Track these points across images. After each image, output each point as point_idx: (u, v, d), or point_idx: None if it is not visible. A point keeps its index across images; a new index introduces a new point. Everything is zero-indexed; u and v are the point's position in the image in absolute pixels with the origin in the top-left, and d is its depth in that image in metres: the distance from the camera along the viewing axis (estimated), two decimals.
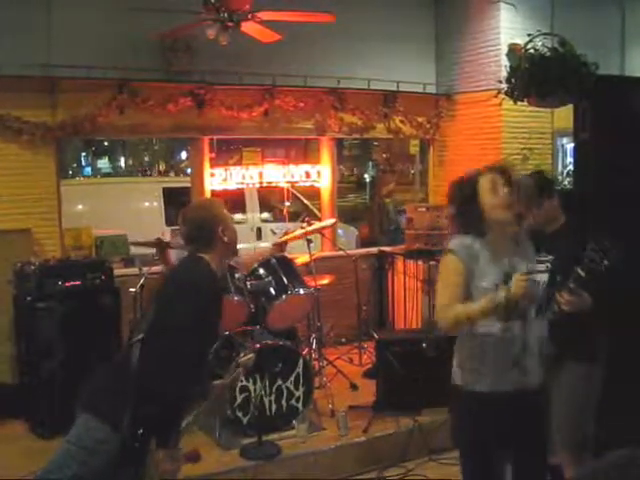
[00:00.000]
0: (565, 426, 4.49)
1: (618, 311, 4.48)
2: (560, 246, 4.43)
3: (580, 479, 3.26)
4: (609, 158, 5.54)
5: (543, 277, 4.49)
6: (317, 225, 7.65)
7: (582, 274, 3.97)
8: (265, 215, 13.32)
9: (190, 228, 3.96)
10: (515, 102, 6.31)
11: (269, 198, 13.24)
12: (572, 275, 4.01)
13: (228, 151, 13.37)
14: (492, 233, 3.58)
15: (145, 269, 6.74)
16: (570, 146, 9.22)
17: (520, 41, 7.25)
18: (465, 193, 3.62)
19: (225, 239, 3.90)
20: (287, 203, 10.61)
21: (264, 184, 9.04)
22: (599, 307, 4.20)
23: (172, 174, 25.58)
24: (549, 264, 4.49)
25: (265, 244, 12.18)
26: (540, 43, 6.12)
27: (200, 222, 3.94)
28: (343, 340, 8.66)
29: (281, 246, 7.44)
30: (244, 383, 5.96)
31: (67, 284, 6.46)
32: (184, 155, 27.03)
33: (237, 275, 6.54)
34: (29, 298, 6.35)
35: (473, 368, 3.64)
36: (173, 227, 8.76)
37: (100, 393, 3.63)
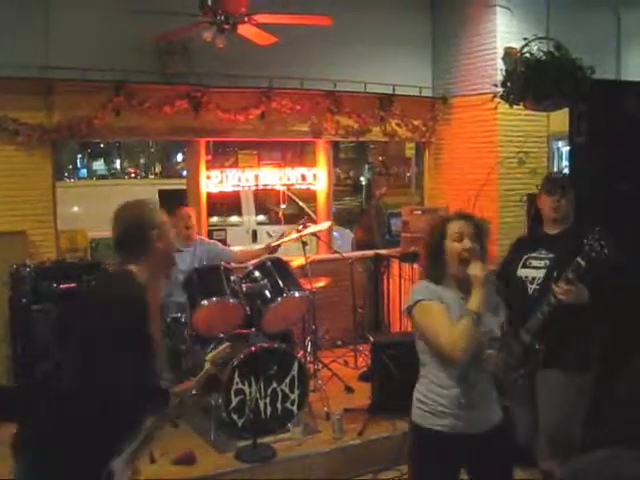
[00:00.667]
0: (553, 432, 4.51)
1: (615, 310, 4.48)
2: (562, 246, 4.46)
3: (563, 478, 3.28)
4: (605, 162, 5.55)
5: (539, 273, 4.55)
6: (312, 229, 7.64)
7: (582, 263, 4.03)
8: (261, 218, 13.33)
9: (119, 231, 3.46)
10: (511, 106, 6.31)
11: (265, 201, 13.24)
12: (572, 265, 4.05)
13: (224, 153, 13.40)
14: (449, 279, 3.65)
15: None
16: (565, 150, 9.24)
17: (516, 45, 7.25)
18: (433, 239, 3.69)
19: (160, 247, 3.41)
20: (283, 206, 10.61)
21: (260, 187, 9.05)
22: (597, 301, 4.22)
23: (167, 176, 25.54)
24: (547, 261, 4.53)
25: (260, 246, 12.19)
26: (536, 47, 6.12)
27: (131, 223, 3.44)
28: (339, 343, 8.67)
29: (273, 248, 7.43)
30: (239, 386, 5.96)
31: (62, 286, 6.47)
32: (180, 157, 27.01)
33: (232, 278, 6.54)
34: (24, 300, 6.35)
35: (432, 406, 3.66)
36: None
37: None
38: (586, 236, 4.14)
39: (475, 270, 3.50)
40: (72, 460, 3.07)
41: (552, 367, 4.43)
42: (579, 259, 4.05)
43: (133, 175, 28.17)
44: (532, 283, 4.56)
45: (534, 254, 4.64)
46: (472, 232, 3.62)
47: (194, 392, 3.69)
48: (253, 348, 6.07)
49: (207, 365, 3.66)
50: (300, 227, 7.38)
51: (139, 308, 3.21)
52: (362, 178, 25.91)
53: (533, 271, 4.59)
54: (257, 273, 6.70)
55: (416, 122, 9.28)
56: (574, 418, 4.52)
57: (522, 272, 4.64)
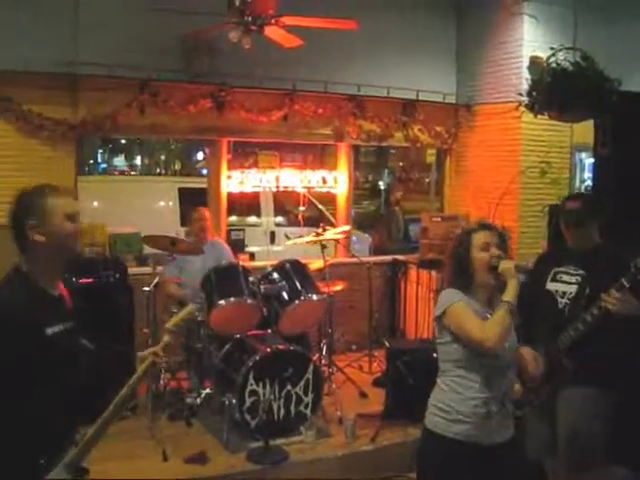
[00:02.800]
0: (574, 452, 4.45)
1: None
2: (594, 264, 4.39)
3: None
4: (629, 174, 5.50)
5: (571, 288, 4.49)
6: (330, 234, 7.63)
7: (627, 285, 3.96)
8: (279, 219, 13.33)
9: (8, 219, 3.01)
10: (535, 115, 6.28)
11: (284, 202, 13.24)
12: (616, 285, 4.00)
13: (244, 154, 13.39)
14: (478, 288, 3.70)
15: (159, 268, 6.76)
16: (588, 161, 9.19)
17: (542, 54, 7.22)
18: (460, 249, 3.74)
19: (38, 239, 2.92)
20: (302, 208, 10.60)
21: (281, 188, 9.04)
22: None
23: (187, 174, 25.61)
24: (579, 277, 4.47)
25: (278, 248, 12.20)
26: (562, 57, 6.08)
27: (12, 213, 2.99)
28: (354, 347, 8.65)
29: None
30: (253, 387, 5.96)
31: (81, 281, 6.48)
32: (200, 156, 27.09)
33: (251, 278, 6.54)
34: None
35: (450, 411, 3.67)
36: (188, 227, 8.77)
37: None
38: (618, 256, 4.12)
39: (504, 265, 3.59)
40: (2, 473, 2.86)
41: (579, 383, 4.37)
42: (623, 280, 3.99)
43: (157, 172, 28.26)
44: (562, 297, 4.50)
45: (563, 268, 4.57)
46: (497, 242, 3.70)
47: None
48: (269, 350, 6.07)
49: (165, 336, 3.30)
50: (319, 230, 7.38)
51: (15, 316, 2.80)
52: (381, 182, 25.93)
53: (564, 285, 4.52)
54: (275, 275, 6.70)
55: (439, 128, 9.26)
56: (598, 438, 4.45)
57: (552, 285, 4.57)
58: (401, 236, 13.23)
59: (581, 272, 4.49)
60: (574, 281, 4.50)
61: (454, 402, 3.63)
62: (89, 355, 3.25)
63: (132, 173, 27.94)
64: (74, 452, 3.00)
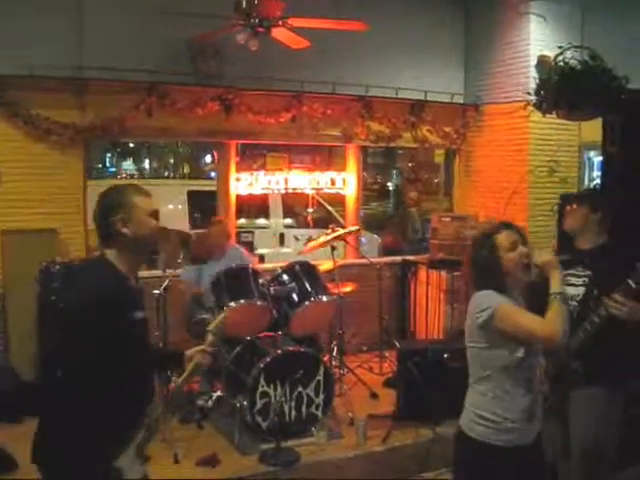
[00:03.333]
0: (587, 454, 4.43)
1: None
2: (602, 263, 4.38)
3: None
4: (638, 172, 5.49)
5: (578, 290, 4.47)
6: (340, 231, 7.62)
7: (633, 285, 3.93)
8: (288, 221, 13.33)
9: (95, 216, 3.29)
10: (543, 114, 6.26)
11: (293, 204, 13.24)
12: (622, 286, 3.97)
13: (252, 156, 13.39)
14: (511, 288, 3.66)
15: (169, 271, 6.76)
16: (597, 160, 9.16)
17: (549, 53, 7.20)
18: (484, 253, 3.67)
19: (125, 232, 3.19)
20: (311, 209, 10.61)
21: (290, 190, 9.05)
22: None
23: (195, 177, 25.61)
24: (586, 279, 4.45)
25: (287, 250, 12.19)
26: (570, 56, 6.06)
27: (100, 210, 3.27)
28: (364, 348, 8.65)
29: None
30: (264, 389, 5.96)
31: None
32: (208, 158, 27.10)
33: (260, 280, 6.54)
34: (53, 297, 6.38)
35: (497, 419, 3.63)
36: (198, 230, 8.78)
37: None
38: (625, 255, 4.11)
39: (542, 257, 3.61)
40: (74, 458, 3.03)
41: (588, 384, 4.35)
42: (630, 281, 3.96)
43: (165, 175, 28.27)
44: (571, 300, 4.48)
45: (571, 271, 4.55)
46: (520, 239, 3.66)
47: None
48: (279, 351, 6.08)
49: (210, 336, 3.48)
50: (329, 231, 7.37)
51: (107, 297, 3.06)
52: (390, 183, 25.86)
53: (572, 288, 4.49)
54: (285, 276, 6.70)
55: (447, 129, 9.25)
56: (610, 438, 4.44)
57: None
58: (419, 237, 13.17)
59: (588, 273, 4.47)
60: (581, 283, 4.48)
61: (502, 409, 3.57)
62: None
63: (128, 176, 27.81)
64: (141, 438, 3.22)
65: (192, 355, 3.44)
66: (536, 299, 3.86)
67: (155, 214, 3.32)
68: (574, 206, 4.63)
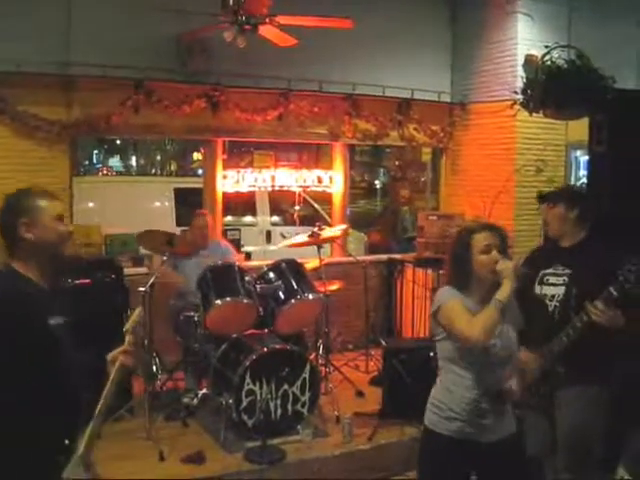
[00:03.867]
0: (572, 448, 4.45)
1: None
2: (580, 261, 4.39)
3: None
4: (624, 172, 5.51)
5: (559, 290, 4.47)
6: (327, 233, 7.62)
7: (614, 294, 3.93)
8: (275, 219, 13.33)
9: None
10: (530, 114, 6.28)
11: (280, 202, 13.24)
12: (603, 293, 3.97)
13: (239, 153, 13.39)
14: (477, 288, 3.68)
15: (158, 265, 6.75)
16: (584, 159, 9.19)
17: (536, 52, 7.24)
18: (458, 249, 3.72)
19: (29, 237, 3.04)
20: (297, 207, 10.61)
21: (276, 188, 9.05)
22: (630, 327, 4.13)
23: (182, 175, 25.59)
24: (566, 278, 4.46)
25: (274, 247, 12.19)
26: (557, 55, 6.08)
27: (2, 214, 3.12)
28: (350, 346, 8.66)
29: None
30: (250, 386, 5.96)
31: (76, 282, 6.46)
32: (195, 156, 27.07)
33: (247, 278, 6.54)
34: None
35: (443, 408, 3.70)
36: (183, 227, 8.78)
37: None
38: (604, 253, 4.13)
39: (502, 265, 3.56)
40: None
41: (574, 383, 4.37)
42: (611, 289, 3.95)
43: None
44: (552, 300, 4.47)
45: (550, 270, 4.54)
46: (498, 243, 3.65)
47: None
48: (265, 349, 6.07)
49: (127, 336, 3.34)
50: (315, 230, 7.35)
51: (5, 309, 2.91)
52: (377, 181, 25.92)
53: (551, 288, 4.50)
54: (271, 274, 6.70)
55: (434, 127, 9.26)
56: (594, 432, 4.46)
57: (540, 289, 4.54)
58: (408, 235, 13.18)
59: (568, 271, 4.48)
60: (561, 282, 4.48)
61: (447, 399, 3.66)
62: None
63: (110, 174, 27.66)
64: (83, 444, 3.06)
65: (114, 358, 3.28)
66: (530, 307, 3.90)
67: (61, 217, 3.16)
68: (550, 205, 4.65)
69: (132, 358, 3.32)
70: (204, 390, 6.57)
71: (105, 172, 28.00)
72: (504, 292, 3.51)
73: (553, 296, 4.48)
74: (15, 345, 2.89)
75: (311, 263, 7.38)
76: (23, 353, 2.91)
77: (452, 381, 3.66)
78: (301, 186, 9.22)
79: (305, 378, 6.20)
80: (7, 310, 2.93)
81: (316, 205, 13.11)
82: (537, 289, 4.54)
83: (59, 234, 3.14)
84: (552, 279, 4.52)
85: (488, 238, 3.65)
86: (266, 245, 12.54)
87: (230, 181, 8.57)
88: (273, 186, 8.96)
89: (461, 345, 3.57)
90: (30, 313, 2.98)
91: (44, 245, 3.08)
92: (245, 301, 6.38)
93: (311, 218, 11.97)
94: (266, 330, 6.54)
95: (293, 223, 12.68)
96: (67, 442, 3.05)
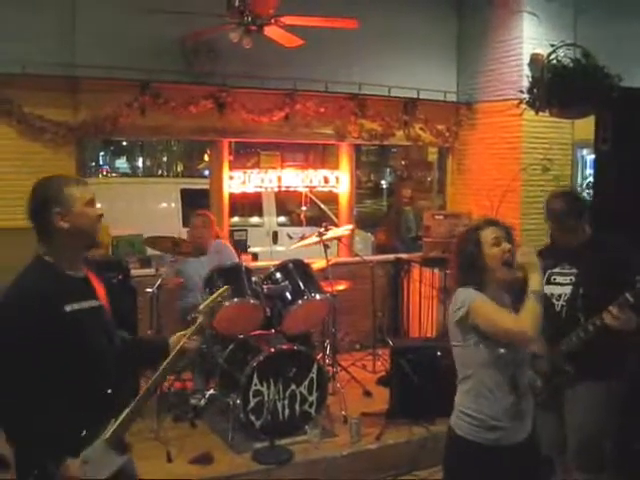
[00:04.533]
0: (584, 447, 4.45)
1: None
2: (587, 260, 4.39)
3: None
4: (630, 170, 5.50)
5: (565, 289, 4.47)
6: (333, 232, 7.62)
7: (631, 300, 3.92)
8: (282, 219, 13.33)
9: (26, 212, 3.13)
10: (536, 113, 6.27)
11: (286, 202, 13.24)
12: (619, 299, 3.96)
13: (246, 154, 13.42)
14: (491, 285, 3.64)
15: (162, 270, 6.76)
16: (590, 157, 9.18)
17: (542, 51, 7.23)
18: (468, 248, 3.68)
19: (64, 226, 3.06)
20: (304, 208, 10.61)
21: (283, 188, 9.05)
22: None
23: (189, 175, 25.62)
24: (572, 277, 4.46)
25: (281, 248, 12.19)
26: (563, 54, 6.08)
27: (33, 206, 3.11)
28: (357, 346, 8.66)
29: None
30: (258, 387, 5.96)
31: None
32: (202, 157, 27.11)
33: (253, 278, 6.54)
34: None
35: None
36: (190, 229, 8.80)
37: None
38: (609, 251, 4.13)
39: (523, 257, 3.55)
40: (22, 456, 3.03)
41: (583, 380, 4.36)
42: (628, 295, 3.94)
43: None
44: (559, 300, 4.47)
45: (557, 269, 4.55)
46: (505, 236, 3.65)
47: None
48: (272, 350, 6.08)
49: (200, 317, 3.42)
50: (322, 230, 7.35)
51: (31, 302, 2.96)
52: (383, 181, 25.92)
53: (558, 288, 4.50)
54: (278, 275, 6.69)
55: (440, 127, 9.26)
56: (604, 431, 4.46)
57: (547, 289, 4.48)
58: (412, 235, 13.18)
59: (574, 270, 4.48)
60: (568, 281, 4.49)
61: (486, 407, 3.56)
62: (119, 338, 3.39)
63: (114, 175, 27.72)
64: (114, 427, 3.11)
65: (178, 340, 3.38)
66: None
67: (92, 202, 3.17)
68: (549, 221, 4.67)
69: (196, 343, 3.39)
70: (212, 391, 6.58)
71: (105, 173, 28.02)
72: (535, 282, 3.52)
73: (560, 295, 4.49)
74: (37, 341, 2.91)
75: (318, 263, 7.38)
76: (45, 346, 2.94)
77: (489, 387, 3.56)
78: (307, 186, 9.23)
79: (312, 378, 6.21)
80: (26, 306, 2.95)
81: (323, 205, 13.11)
82: (545, 289, 4.53)
83: (93, 219, 3.16)
84: (559, 278, 4.52)
85: (495, 232, 3.64)
86: (273, 246, 12.55)
87: (237, 182, 8.58)
88: (279, 186, 8.96)
89: (498, 347, 3.52)
90: (45, 303, 2.98)
91: (80, 233, 3.10)
92: (252, 302, 6.38)
93: (318, 218, 11.97)
94: (273, 330, 6.54)
95: (300, 223, 12.68)
96: (85, 432, 3.06)
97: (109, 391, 3.18)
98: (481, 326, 3.52)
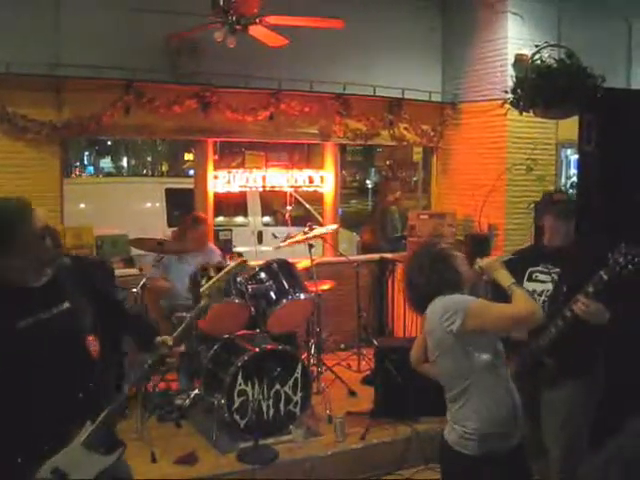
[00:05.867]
0: (565, 448, 4.46)
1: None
2: (570, 260, 4.41)
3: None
4: (613, 171, 5.52)
5: (547, 286, 4.49)
6: (318, 231, 7.62)
7: (605, 277, 3.94)
8: (267, 219, 13.32)
9: None
10: (520, 113, 6.29)
11: (271, 202, 13.23)
12: (593, 278, 3.98)
13: (231, 154, 13.40)
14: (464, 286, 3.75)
15: (150, 271, 6.76)
16: (574, 157, 9.22)
17: (527, 51, 7.26)
18: (446, 269, 3.70)
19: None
20: (289, 207, 10.60)
21: (267, 188, 9.04)
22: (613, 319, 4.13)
23: (174, 175, 25.58)
24: (555, 275, 4.48)
25: (266, 248, 12.17)
26: (547, 54, 6.10)
27: None
28: (342, 346, 8.65)
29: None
30: (242, 387, 5.96)
31: None
32: (186, 157, 27.09)
33: (238, 279, 6.54)
34: None
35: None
36: (174, 228, 8.78)
37: None
38: (594, 251, 4.15)
39: (485, 262, 3.77)
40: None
41: (562, 378, 4.38)
42: (602, 273, 3.97)
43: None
44: (540, 295, 4.49)
45: (539, 267, 4.57)
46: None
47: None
48: (257, 349, 6.07)
49: (203, 300, 3.48)
50: (306, 229, 7.35)
51: None
52: (368, 181, 25.96)
53: (540, 284, 4.52)
54: (263, 274, 6.70)
55: (425, 127, 9.27)
56: (584, 428, 4.48)
57: (528, 285, 4.50)
58: (398, 234, 13.20)
59: (557, 270, 4.50)
60: (550, 279, 4.51)
61: (490, 418, 3.52)
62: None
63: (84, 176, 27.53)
64: (92, 428, 3.10)
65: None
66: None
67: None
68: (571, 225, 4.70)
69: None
70: (196, 391, 6.57)
71: (78, 173, 27.79)
72: (505, 277, 3.69)
73: (542, 292, 4.51)
74: None
75: (302, 263, 7.38)
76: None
77: (489, 394, 3.54)
78: (292, 186, 9.22)
79: (297, 378, 6.20)
80: None
81: (307, 205, 13.09)
82: (525, 285, 4.53)
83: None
84: (541, 276, 4.55)
85: (461, 257, 3.78)
86: (258, 245, 12.53)
87: (221, 181, 8.56)
88: (264, 186, 8.95)
89: (494, 348, 3.56)
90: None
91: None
92: (237, 301, 6.38)
93: (303, 218, 11.93)
94: (258, 330, 6.54)
95: (285, 223, 12.63)
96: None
97: (80, 395, 3.14)
98: (486, 324, 3.49)
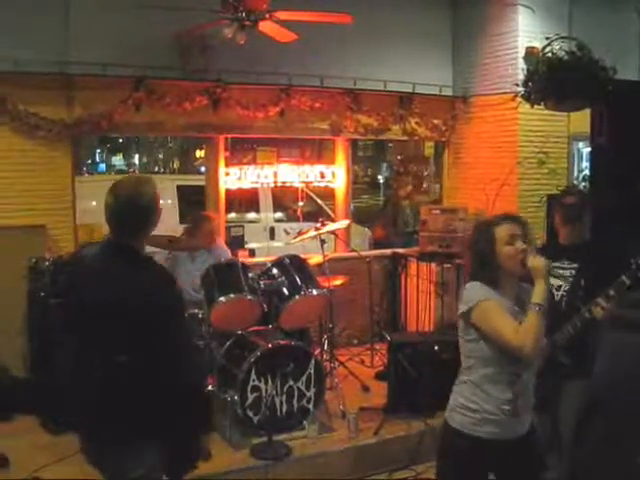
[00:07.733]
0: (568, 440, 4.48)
1: None
2: (587, 255, 4.40)
3: None
4: (626, 163, 5.51)
5: (565, 281, 4.48)
6: (330, 227, 7.62)
7: (627, 282, 3.91)
8: (279, 215, 13.33)
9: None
10: (532, 106, 6.28)
11: (283, 198, 13.24)
12: (615, 283, 3.95)
13: (242, 150, 13.39)
14: (503, 280, 3.57)
15: None
16: (586, 150, 9.18)
17: (538, 44, 7.23)
18: (480, 245, 3.59)
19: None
20: (301, 203, 10.61)
21: (279, 184, 9.03)
22: None
23: (185, 172, 25.61)
24: (573, 270, 4.47)
25: (278, 244, 12.19)
26: (558, 47, 6.08)
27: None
28: (355, 341, 8.66)
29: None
30: (256, 383, 5.95)
31: None
32: (198, 153, 27.13)
33: (250, 274, 6.53)
34: (42, 294, 6.37)
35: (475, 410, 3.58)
36: (186, 225, 8.79)
37: None
38: (611, 247, 4.13)
39: (534, 262, 3.44)
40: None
41: (580, 376, 4.38)
42: (624, 277, 3.94)
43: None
44: (558, 290, 4.49)
45: (557, 263, 4.56)
46: (521, 233, 3.56)
47: None
48: (270, 345, 6.06)
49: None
50: (318, 225, 7.35)
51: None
52: (380, 176, 25.93)
53: (558, 280, 4.50)
54: (275, 270, 6.68)
55: (436, 121, 9.25)
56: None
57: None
58: (410, 229, 13.17)
59: (575, 265, 4.49)
60: (568, 274, 4.49)
61: (482, 400, 3.53)
62: None
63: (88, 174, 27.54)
64: None
65: None
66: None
67: None
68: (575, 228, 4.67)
69: None
70: (209, 387, 6.57)
71: (89, 170, 27.81)
72: (540, 293, 3.41)
73: (560, 286, 4.50)
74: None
75: (315, 259, 7.37)
76: None
77: (487, 381, 3.52)
78: (304, 182, 9.21)
79: (310, 374, 6.19)
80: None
81: (319, 201, 13.11)
82: None
83: None
84: (559, 271, 4.52)
85: (511, 229, 3.55)
86: (270, 241, 12.54)
87: (233, 178, 8.55)
88: (276, 182, 8.94)
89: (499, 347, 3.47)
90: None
91: None
92: (249, 297, 6.37)
93: (314, 214, 11.97)
94: (270, 326, 6.53)
95: (296, 219, 12.66)
96: None
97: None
98: (481, 328, 3.47)
